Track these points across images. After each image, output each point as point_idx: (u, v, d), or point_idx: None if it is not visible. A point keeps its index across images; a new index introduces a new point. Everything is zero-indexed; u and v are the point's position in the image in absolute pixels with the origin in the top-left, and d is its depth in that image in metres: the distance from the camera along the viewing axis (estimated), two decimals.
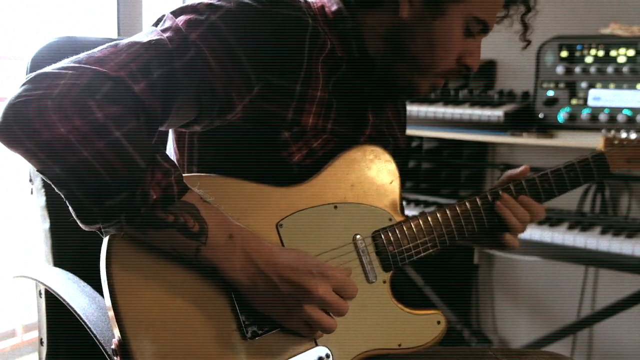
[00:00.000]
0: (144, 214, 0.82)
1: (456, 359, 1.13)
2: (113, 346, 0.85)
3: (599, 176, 1.24)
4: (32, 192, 1.24)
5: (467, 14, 1.02)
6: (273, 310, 0.92)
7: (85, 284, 1.06)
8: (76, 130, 0.77)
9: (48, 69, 0.82)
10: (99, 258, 0.88)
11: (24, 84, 0.81)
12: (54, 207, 1.20)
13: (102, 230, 0.84)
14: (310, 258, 0.93)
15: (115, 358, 0.85)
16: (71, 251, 1.22)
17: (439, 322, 1.09)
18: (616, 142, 1.30)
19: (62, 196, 0.82)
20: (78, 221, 0.83)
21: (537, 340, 2.36)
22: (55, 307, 1.17)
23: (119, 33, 2.19)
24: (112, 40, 0.91)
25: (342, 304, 0.93)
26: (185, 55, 0.88)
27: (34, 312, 1.25)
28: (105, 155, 0.78)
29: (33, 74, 0.82)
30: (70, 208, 0.82)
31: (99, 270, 0.88)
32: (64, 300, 1.02)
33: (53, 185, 0.82)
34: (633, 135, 1.31)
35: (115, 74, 0.82)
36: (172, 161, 0.85)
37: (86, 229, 0.84)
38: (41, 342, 1.23)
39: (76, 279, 1.09)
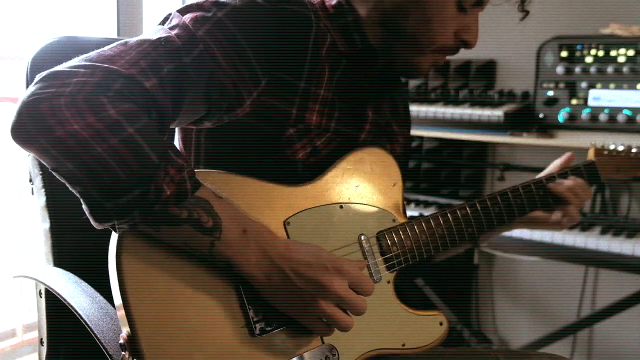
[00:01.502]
0: (158, 210, 0.82)
1: None
2: (121, 340, 0.85)
3: (590, 183, 1.30)
4: (32, 192, 1.24)
5: None
6: (288, 305, 0.92)
7: (87, 284, 1.06)
8: (89, 127, 0.77)
9: (60, 67, 0.82)
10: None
11: (36, 83, 0.81)
12: (54, 207, 1.20)
13: (116, 227, 0.84)
14: (325, 253, 0.93)
15: (122, 352, 0.85)
16: (71, 251, 1.22)
17: (441, 323, 1.10)
18: (605, 152, 1.37)
19: (76, 193, 0.82)
20: (91, 219, 0.83)
21: (537, 340, 2.36)
22: (56, 307, 1.17)
23: (119, 33, 2.19)
24: (112, 40, 0.91)
25: (360, 301, 0.92)
26: (193, 51, 0.89)
27: (34, 312, 1.25)
28: (119, 151, 0.78)
29: (45, 72, 0.82)
30: (83, 206, 0.82)
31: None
32: (64, 300, 1.02)
33: (66, 183, 0.82)
34: (621, 147, 1.39)
35: (126, 71, 0.82)
36: (185, 157, 0.86)
37: (98, 227, 0.84)
38: (41, 342, 1.23)
39: (77, 278, 1.09)
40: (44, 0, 2.46)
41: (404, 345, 1.06)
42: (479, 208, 1.16)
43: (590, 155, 1.37)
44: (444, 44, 1.06)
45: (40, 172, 1.20)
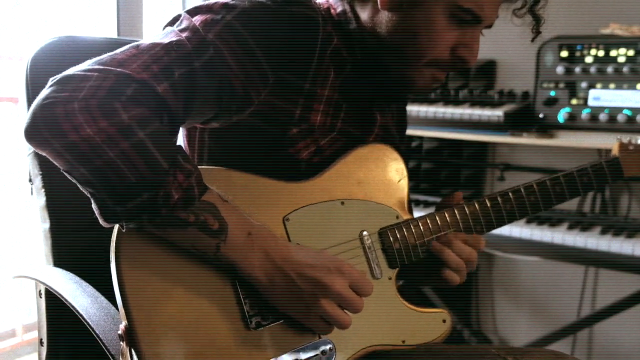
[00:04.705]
0: (166, 214, 0.84)
1: (459, 358, 1.13)
2: (120, 332, 0.87)
3: (612, 181, 1.24)
4: (32, 193, 1.24)
5: (449, 1, 0.98)
6: (291, 306, 0.93)
7: (87, 284, 1.06)
8: (102, 132, 0.79)
9: (73, 70, 0.83)
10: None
11: (50, 86, 0.82)
12: (54, 207, 1.20)
13: (124, 226, 0.86)
14: (326, 255, 0.94)
15: (121, 343, 0.86)
16: (71, 251, 1.21)
17: (444, 321, 1.10)
18: (631, 147, 1.29)
19: (87, 194, 0.83)
20: (100, 219, 0.84)
21: (537, 340, 2.36)
22: (55, 307, 1.16)
23: (119, 33, 2.19)
24: (112, 40, 0.91)
25: (359, 300, 0.94)
26: (204, 55, 0.89)
27: (34, 312, 1.25)
28: (129, 155, 0.80)
29: (59, 76, 0.83)
30: (93, 206, 0.84)
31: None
32: (65, 300, 1.02)
33: (78, 184, 0.83)
34: None
35: (139, 76, 0.83)
36: (193, 162, 0.87)
37: (106, 226, 0.86)
38: (41, 343, 1.23)
39: (77, 278, 1.09)
40: (44, 0, 2.46)
41: (404, 341, 1.06)
42: (488, 205, 1.14)
43: (615, 150, 1.28)
44: (437, 58, 1.03)
45: (40, 172, 1.20)
